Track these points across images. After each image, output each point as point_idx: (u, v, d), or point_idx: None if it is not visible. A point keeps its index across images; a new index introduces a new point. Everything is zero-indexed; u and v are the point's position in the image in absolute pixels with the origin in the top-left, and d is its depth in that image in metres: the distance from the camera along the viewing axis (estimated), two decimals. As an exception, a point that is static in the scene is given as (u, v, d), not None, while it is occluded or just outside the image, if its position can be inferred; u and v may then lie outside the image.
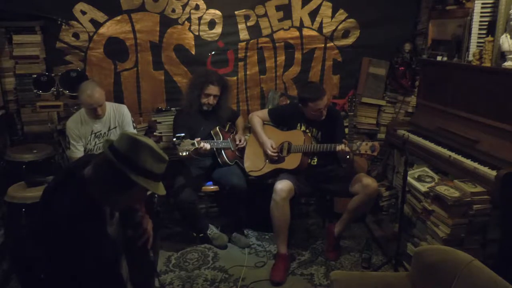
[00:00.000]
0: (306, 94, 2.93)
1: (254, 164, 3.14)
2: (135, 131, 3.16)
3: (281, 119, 3.22)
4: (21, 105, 3.35)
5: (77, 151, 2.96)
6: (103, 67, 3.53)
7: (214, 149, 3.13)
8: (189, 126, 3.13)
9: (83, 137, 2.99)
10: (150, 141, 1.62)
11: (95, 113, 2.92)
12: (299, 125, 3.09)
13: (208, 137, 3.14)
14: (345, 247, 3.19)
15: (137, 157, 1.56)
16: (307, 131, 3.06)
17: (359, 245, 3.17)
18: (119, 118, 3.08)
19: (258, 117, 3.23)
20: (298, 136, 3.00)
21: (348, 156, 2.73)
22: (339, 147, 2.71)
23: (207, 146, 2.95)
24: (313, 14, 3.69)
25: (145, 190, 1.63)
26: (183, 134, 2.84)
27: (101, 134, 3.03)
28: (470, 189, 2.43)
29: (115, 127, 3.07)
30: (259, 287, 2.73)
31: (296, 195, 2.90)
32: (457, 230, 2.45)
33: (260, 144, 3.13)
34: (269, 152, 3.03)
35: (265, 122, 3.25)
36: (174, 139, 2.83)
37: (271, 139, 3.09)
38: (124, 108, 3.14)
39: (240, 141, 3.31)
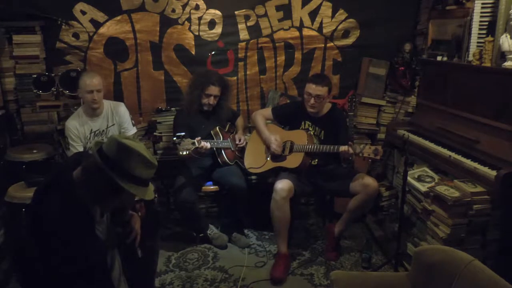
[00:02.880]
0: (309, 76, 3.07)
1: (254, 160, 3.13)
2: (134, 128, 3.17)
3: (285, 117, 3.22)
4: (21, 105, 3.35)
5: (76, 151, 2.95)
6: (103, 67, 3.52)
7: (214, 149, 3.14)
8: (189, 126, 3.13)
9: (83, 137, 2.99)
10: (139, 146, 1.62)
11: (91, 102, 2.92)
12: (303, 123, 3.09)
13: (208, 137, 3.14)
14: (345, 247, 3.19)
15: (126, 163, 1.57)
16: (310, 129, 3.06)
17: (359, 245, 3.17)
18: (117, 115, 3.09)
19: (262, 115, 3.22)
20: (300, 136, 2.99)
21: (350, 158, 2.73)
22: (342, 149, 2.71)
23: (208, 145, 2.95)
24: (313, 14, 3.69)
25: (133, 195, 1.64)
26: (183, 134, 2.84)
27: (100, 132, 3.04)
28: (470, 189, 2.43)
29: (113, 125, 3.07)
30: (259, 287, 2.73)
31: (296, 195, 2.90)
32: (457, 230, 2.45)
33: (263, 140, 3.12)
34: (273, 145, 2.99)
35: (267, 121, 3.25)
36: (174, 138, 2.83)
37: None
38: (121, 106, 3.14)
39: (239, 140, 3.31)
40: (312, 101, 2.94)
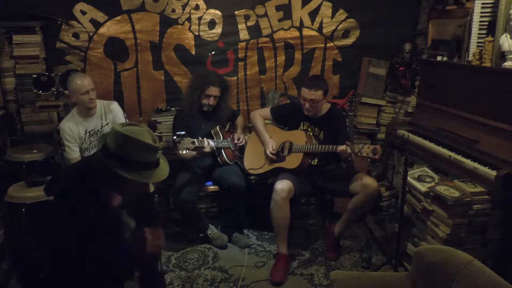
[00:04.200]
0: (305, 79, 3.08)
1: (254, 162, 3.13)
2: None
3: (283, 117, 3.21)
4: (21, 105, 3.35)
5: (73, 152, 2.96)
6: (103, 67, 3.53)
7: (214, 148, 3.14)
8: (189, 126, 3.13)
9: (78, 138, 2.98)
10: (137, 130, 1.66)
11: (88, 102, 2.92)
12: (302, 123, 3.08)
13: (208, 137, 3.14)
14: (345, 247, 3.18)
15: (124, 152, 1.62)
16: (309, 130, 3.06)
17: (359, 245, 3.16)
18: (110, 114, 3.08)
19: (260, 115, 3.22)
20: (299, 136, 2.99)
21: (350, 158, 2.73)
22: (341, 148, 2.71)
23: (211, 143, 2.95)
24: (313, 14, 3.69)
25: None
26: (183, 133, 2.84)
27: (95, 132, 3.04)
28: (470, 189, 2.43)
29: (107, 124, 3.07)
30: (259, 287, 2.73)
31: (296, 195, 2.90)
32: (457, 230, 2.45)
33: (262, 143, 3.13)
34: (268, 152, 3.02)
35: (266, 121, 3.25)
36: (174, 137, 2.84)
37: (272, 138, 3.09)
38: (114, 104, 3.14)
39: (239, 139, 3.31)
40: (307, 105, 2.93)
